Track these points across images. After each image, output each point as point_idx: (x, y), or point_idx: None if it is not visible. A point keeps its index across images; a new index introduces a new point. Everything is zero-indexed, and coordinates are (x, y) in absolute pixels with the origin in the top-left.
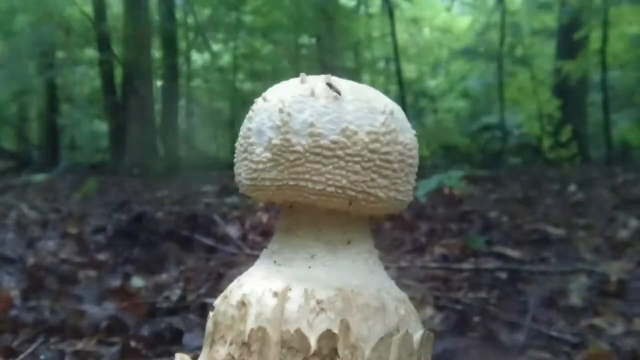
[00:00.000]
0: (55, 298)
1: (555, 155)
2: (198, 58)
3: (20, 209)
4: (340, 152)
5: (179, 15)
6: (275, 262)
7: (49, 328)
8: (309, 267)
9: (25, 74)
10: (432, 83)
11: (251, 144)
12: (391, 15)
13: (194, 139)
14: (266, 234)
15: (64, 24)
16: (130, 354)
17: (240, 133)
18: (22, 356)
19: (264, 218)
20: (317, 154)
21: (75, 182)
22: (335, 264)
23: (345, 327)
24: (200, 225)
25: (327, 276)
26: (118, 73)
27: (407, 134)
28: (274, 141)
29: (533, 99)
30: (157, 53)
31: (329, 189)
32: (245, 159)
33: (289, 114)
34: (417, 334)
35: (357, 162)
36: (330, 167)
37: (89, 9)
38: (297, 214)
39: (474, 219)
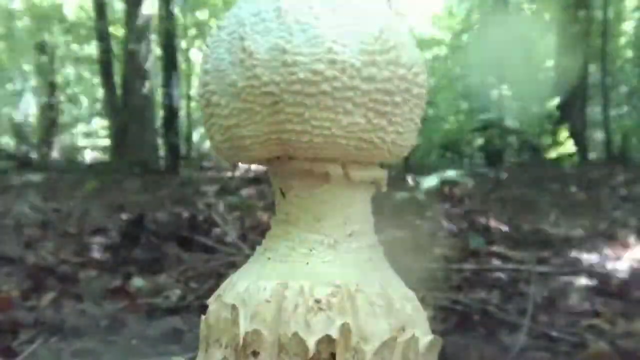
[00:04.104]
0: (55, 298)
1: (555, 154)
2: (198, 57)
3: (20, 209)
4: (325, 87)
5: (178, 13)
6: (270, 258)
7: (49, 328)
8: (307, 263)
9: (25, 72)
10: (431, 81)
11: (213, 93)
12: None
13: (194, 138)
14: (266, 233)
15: (64, 21)
16: (130, 353)
17: (199, 82)
18: (22, 356)
19: (264, 218)
20: (297, 93)
21: (75, 182)
22: (336, 259)
23: (347, 330)
24: (200, 225)
25: (326, 272)
26: (118, 72)
27: (412, 52)
28: (241, 83)
29: (533, 97)
30: (156, 51)
31: (316, 139)
32: (212, 115)
33: (253, 40)
34: (425, 339)
35: (348, 99)
36: (315, 109)
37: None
38: (293, 202)
39: (474, 219)
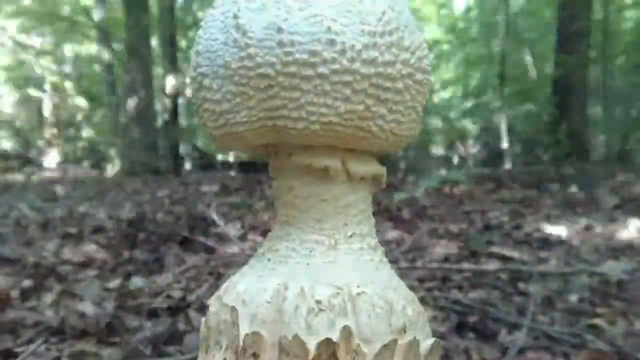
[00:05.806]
0: (55, 298)
1: (555, 153)
2: None
3: (20, 209)
4: (323, 70)
5: (178, 12)
6: (270, 259)
7: (49, 328)
8: (308, 264)
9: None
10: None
11: (205, 76)
12: None
13: (194, 138)
14: (266, 234)
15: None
16: (130, 354)
17: (191, 65)
18: (22, 356)
19: (265, 218)
20: (293, 75)
21: (76, 181)
22: (337, 261)
23: (348, 332)
24: (200, 225)
25: (327, 273)
26: (118, 71)
27: (415, 35)
28: (234, 65)
29: (534, 96)
30: (157, 51)
31: (313, 126)
32: (204, 100)
33: (247, 18)
34: (426, 342)
35: (347, 84)
36: (312, 94)
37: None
38: (294, 203)
39: (474, 219)
